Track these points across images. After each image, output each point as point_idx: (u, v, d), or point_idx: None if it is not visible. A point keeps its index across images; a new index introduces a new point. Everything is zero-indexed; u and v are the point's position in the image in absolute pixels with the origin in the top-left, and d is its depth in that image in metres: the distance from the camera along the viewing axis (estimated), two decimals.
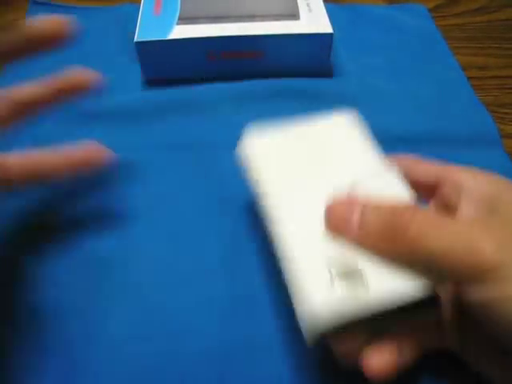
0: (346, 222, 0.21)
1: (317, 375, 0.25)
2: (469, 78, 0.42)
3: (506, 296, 0.17)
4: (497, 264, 0.17)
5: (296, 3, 0.42)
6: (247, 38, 0.38)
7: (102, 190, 0.33)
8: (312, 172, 0.25)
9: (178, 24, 0.40)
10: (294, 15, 0.40)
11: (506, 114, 0.40)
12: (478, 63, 0.45)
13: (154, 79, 0.41)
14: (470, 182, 0.23)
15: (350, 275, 0.21)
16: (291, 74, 0.41)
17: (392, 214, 0.20)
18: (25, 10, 0.49)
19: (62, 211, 0.32)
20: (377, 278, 0.21)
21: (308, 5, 0.41)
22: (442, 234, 0.19)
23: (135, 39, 0.38)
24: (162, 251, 0.30)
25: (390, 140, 0.36)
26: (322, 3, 0.42)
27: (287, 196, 0.24)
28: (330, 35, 0.39)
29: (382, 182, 0.24)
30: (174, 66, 0.40)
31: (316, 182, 0.25)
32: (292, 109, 0.39)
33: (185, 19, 0.40)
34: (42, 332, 0.26)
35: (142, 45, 0.38)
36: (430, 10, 0.50)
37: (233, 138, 0.36)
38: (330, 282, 0.20)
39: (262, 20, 0.40)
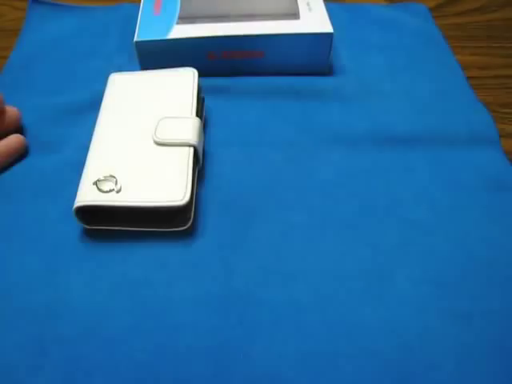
0: None
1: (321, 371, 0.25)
2: (469, 78, 0.42)
3: None
4: None
5: (296, 3, 0.42)
6: (247, 37, 0.38)
7: None
8: (139, 108, 0.34)
9: (177, 24, 0.40)
10: (294, 15, 0.40)
11: (506, 113, 0.40)
12: (478, 63, 0.44)
13: None
14: None
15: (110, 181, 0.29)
16: (291, 74, 0.41)
17: None
18: (25, 9, 0.49)
19: None
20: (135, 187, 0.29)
21: (308, 4, 0.41)
22: None
23: (135, 39, 0.38)
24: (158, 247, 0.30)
25: (390, 139, 0.36)
26: (322, 3, 0.42)
27: (113, 120, 0.33)
28: (330, 35, 0.39)
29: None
30: (174, 66, 0.40)
31: (137, 117, 0.33)
32: (292, 107, 0.39)
33: (184, 19, 0.40)
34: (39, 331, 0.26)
35: (141, 44, 0.38)
36: (431, 10, 0.49)
37: (233, 137, 0.36)
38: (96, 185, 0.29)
39: (262, 20, 0.40)
